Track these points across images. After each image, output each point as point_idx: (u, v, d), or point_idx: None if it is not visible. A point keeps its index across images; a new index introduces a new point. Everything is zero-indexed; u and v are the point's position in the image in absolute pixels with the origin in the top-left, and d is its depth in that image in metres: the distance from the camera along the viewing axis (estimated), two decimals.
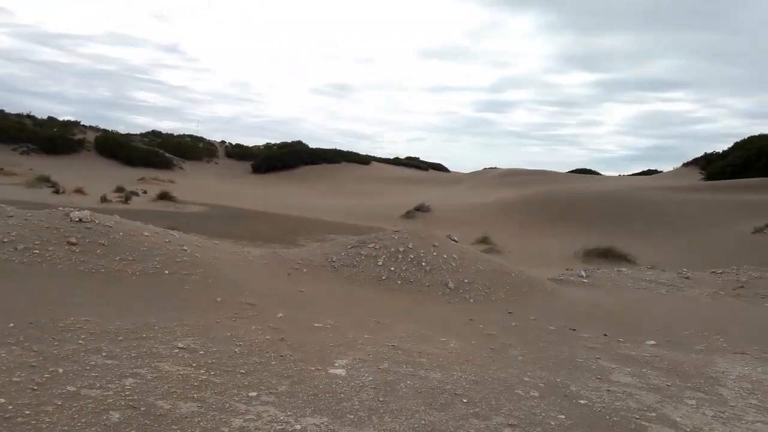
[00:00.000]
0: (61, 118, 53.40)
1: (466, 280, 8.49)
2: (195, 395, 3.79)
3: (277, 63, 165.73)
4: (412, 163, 67.11)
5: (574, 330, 7.13)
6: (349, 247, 8.97)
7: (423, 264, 8.52)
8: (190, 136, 63.94)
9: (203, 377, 4.14)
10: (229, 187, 42.78)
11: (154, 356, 4.41)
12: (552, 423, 4.05)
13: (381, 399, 4.15)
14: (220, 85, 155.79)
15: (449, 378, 4.81)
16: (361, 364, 4.87)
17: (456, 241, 9.38)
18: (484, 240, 21.39)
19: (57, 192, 26.76)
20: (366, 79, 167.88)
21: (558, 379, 5.09)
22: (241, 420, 3.52)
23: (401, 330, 6.22)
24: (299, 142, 64.59)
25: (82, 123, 53.88)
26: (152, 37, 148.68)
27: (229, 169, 56.03)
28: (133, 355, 4.36)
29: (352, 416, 3.81)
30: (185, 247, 7.61)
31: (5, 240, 6.51)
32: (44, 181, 29.72)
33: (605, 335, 6.97)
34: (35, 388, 3.51)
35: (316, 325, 5.93)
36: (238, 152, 61.23)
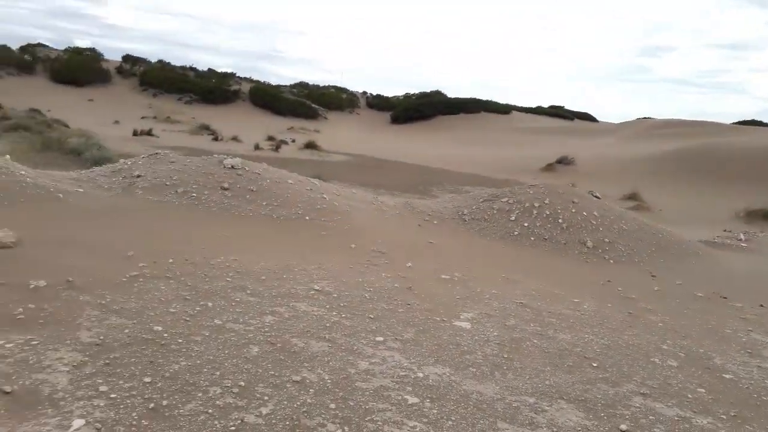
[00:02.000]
0: (219, 70, 57.49)
1: (606, 239, 8.04)
2: (326, 336, 4.04)
3: (417, 14, 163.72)
4: (556, 112, 63.71)
5: (725, 298, 6.52)
6: (481, 200, 8.86)
7: (560, 221, 8.19)
8: (335, 87, 65.92)
9: (335, 319, 4.38)
10: (369, 136, 43.80)
11: (292, 296, 4.74)
12: (689, 396, 3.79)
13: (505, 355, 4.14)
14: (363, 37, 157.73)
15: (579, 340, 4.66)
16: (486, 319, 4.86)
17: (598, 198, 8.87)
18: (631, 196, 20.04)
19: (216, 139, 29.16)
20: (504, 25, 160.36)
21: (701, 350, 4.72)
22: (367, 363, 3.70)
23: (531, 287, 6.08)
24: (438, 92, 63.94)
25: (237, 75, 57.64)
26: None
27: (370, 119, 57.21)
28: (274, 294, 4.72)
29: (474, 370, 3.84)
30: (325, 195, 7.99)
31: (167, 183, 7.26)
32: (205, 128, 32.53)
33: (762, 306, 6.30)
34: (187, 319, 3.94)
35: (443, 276, 5.99)
36: (378, 103, 62.18)
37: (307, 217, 7.28)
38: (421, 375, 3.64)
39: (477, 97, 59.02)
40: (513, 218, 8.32)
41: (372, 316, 4.55)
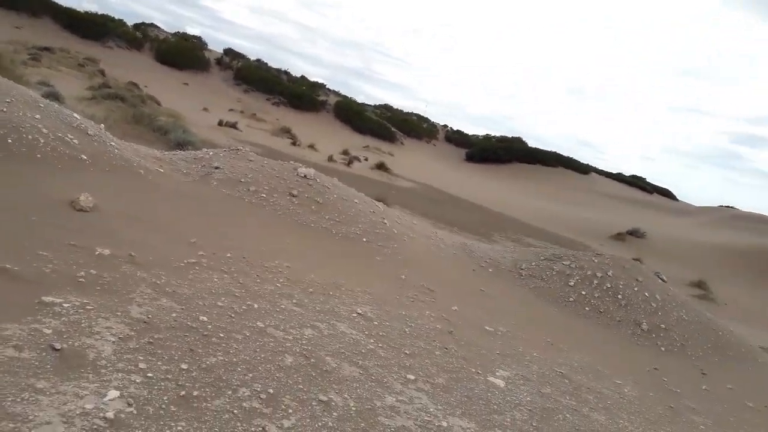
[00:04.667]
0: (311, 79, 59.35)
1: (662, 325, 7.70)
2: (359, 362, 4.05)
3: (516, 61, 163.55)
4: (636, 182, 61.88)
5: None
6: (542, 258, 8.68)
7: (619, 297, 7.92)
8: (417, 115, 66.66)
9: (371, 346, 4.39)
10: (441, 169, 43.88)
11: (334, 315, 4.78)
12: None
13: (534, 424, 4.02)
14: (457, 73, 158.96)
15: (613, 425, 4.47)
16: (522, 381, 4.74)
17: (664, 281, 8.53)
18: (698, 284, 19.11)
19: (294, 144, 29.97)
20: (603, 87, 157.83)
21: None
22: (394, 399, 3.68)
23: (575, 359, 5.89)
24: (519, 139, 63.56)
25: (327, 86, 59.30)
26: (402, 16, 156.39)
27: (446, 152, 57.36)
28: (318, 309, 4.78)
29: (500, 431, 3.75)
30: (386, 221, 8.05)
31: (242, 180, 7.52)
32: (286, 132, 33.51)
33: None
34: (232, 316, 4.05)
35: (487, 328, 5.90)
36: (457, 138, 62.43)
37: (364, 239, 7.36)
38: (445, 425, 3.58)
39: (558, 152, 58.22)
40: (572, 283, 8.11)
41: (408, 352, 4.53)
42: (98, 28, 42.63)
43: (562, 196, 42.33)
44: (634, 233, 26.67)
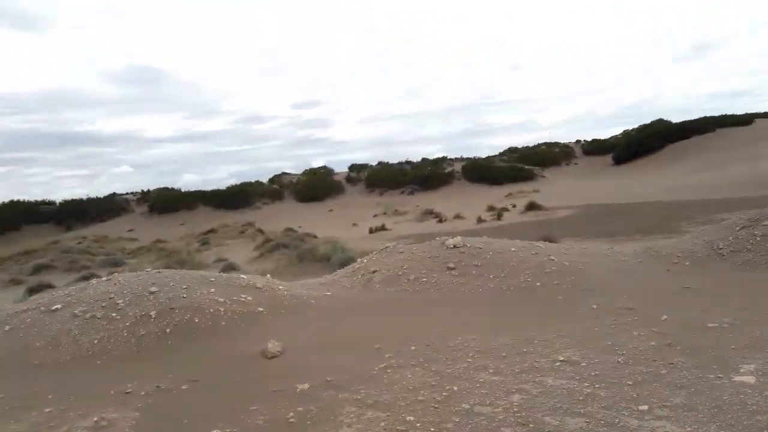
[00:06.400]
0: (431, 157, 60.83)
1: None
2: (581, 410, 3.73)
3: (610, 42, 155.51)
4: None
5: None
6: (738, 228, 7.65)
7: None
8: (545, 143, 64.91)
9: (587, 390, 4.04)
10: (592, 183, 41.69)
11: (536, 371, 4.52)
12: None
13: None
14: (562, 87, 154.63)
15: None
16: None
17: None
18: None
19: (440, 221, 30.38)
20: (732, 32, 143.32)
21: None
22: None
23: None
24: (660, 120, 58.87)
25: (448, 157, 60.33)
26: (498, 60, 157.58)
27: (590, 166, 54.62)
28: (517, 370, 4.55)
29: None
30: (552, 257, 7.68)
31: (399, 273, 7.68)
32: (429, 213, 34.21)
33: None
34: (436, 406, 3.97)
35: (709, 325, 5.19)
36: (595, 147, 59.34)
37: (537, 283, 7.03)
38: None
39: (709, 115, 52.80)
40: None
41: (630, 383, 4.10)
42: (243, 196, 47.90)
43: (733, 155, 37.87)
44: None
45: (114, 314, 6.25)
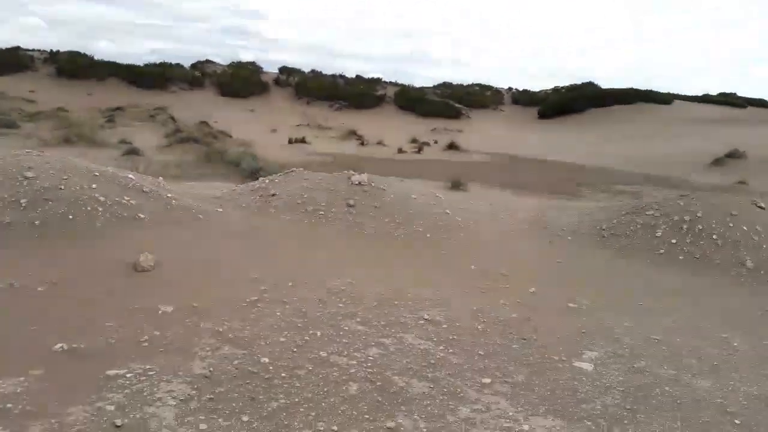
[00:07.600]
0: (366, 76, 59.38)
1: None
2: (429, 374, 3.90)
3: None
4: (726, 100, 56.99)
5: None
6: (623, 213, 8.10)
7: (714, 237, 7.22)
8: (479, 84, 65.02)
9: (441, 354, 4.23)
10: (514, 134, 42.55)
11: (400, 325, 4.66)
12: None
13: (628, 407, 3.70)
14: (509, 33, 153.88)
15: (721, 389, 4.05)
16: (612, 360, 4.40)
17: (763, 208, 7.68)
18: None
19: (362, 144, 30.12)
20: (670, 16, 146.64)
21: None
22: (469, 410, 3.50)
23: (672, 318, 5.42)
24: (590, 83, 60.32)
25: (383, 79, 59.15)
26: None
27: (516, 115, 55.56)
28: (383, 323, 4.67)
29: (589, 423, 3.48)
30: (448, 211, 7.83)
31: (299, 201, 7.57)
32: (353, 134, 33.79)
33: None
34: (295, 350, 4.02)
35: (570, 305, 5.54)
36: (524, 98, 60.21)
37: (428, 235, 7.18)
38: (526, 428, 3.36)
39: (634, 87, 54.69)
40: (659, 234, 7.50)
41: (482, 353, 4.32)
42: (160, 78, 44.97)
43: (647, 131, 39.81)
44: (733, 155, 24.54)
45: None
